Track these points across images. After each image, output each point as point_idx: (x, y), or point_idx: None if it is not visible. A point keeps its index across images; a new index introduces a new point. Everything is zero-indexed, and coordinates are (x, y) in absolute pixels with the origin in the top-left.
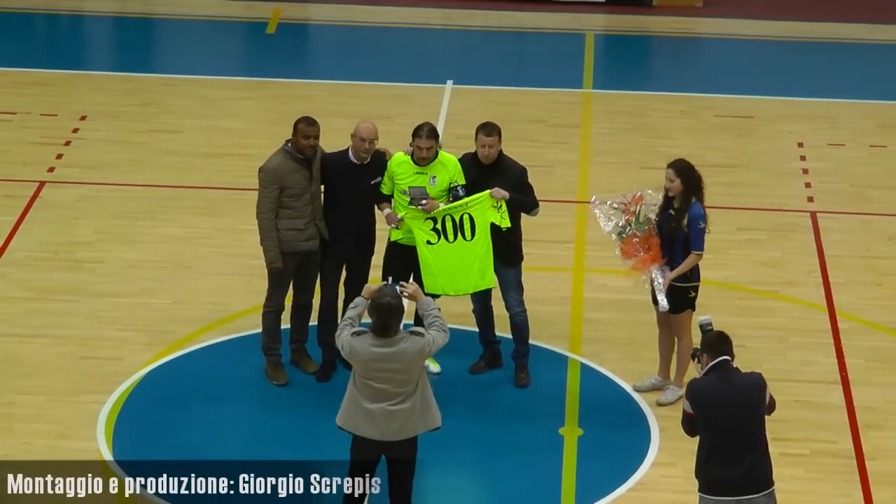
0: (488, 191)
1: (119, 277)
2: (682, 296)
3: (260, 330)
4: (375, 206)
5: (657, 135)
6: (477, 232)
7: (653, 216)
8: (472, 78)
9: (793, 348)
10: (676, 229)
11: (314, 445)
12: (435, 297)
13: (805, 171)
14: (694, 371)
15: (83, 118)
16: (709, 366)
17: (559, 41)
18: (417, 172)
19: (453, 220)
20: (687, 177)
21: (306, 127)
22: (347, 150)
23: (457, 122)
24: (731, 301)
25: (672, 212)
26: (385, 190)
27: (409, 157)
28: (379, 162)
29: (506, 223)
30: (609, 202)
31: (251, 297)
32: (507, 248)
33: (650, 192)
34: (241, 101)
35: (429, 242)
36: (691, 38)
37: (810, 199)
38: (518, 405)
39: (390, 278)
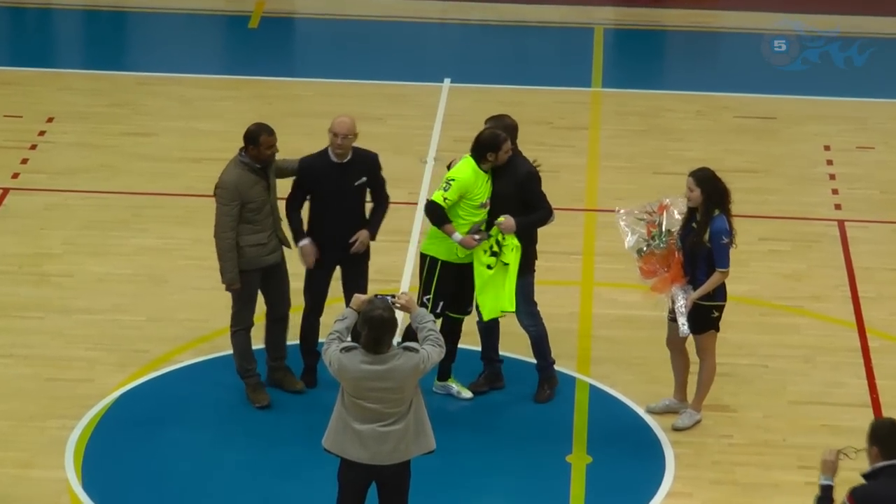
0: (496, 224)
1: (89, 292)
2: (705, 315)
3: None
4: (443, 228)
5: (671, 137)
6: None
7: (676, 228)
8: (471, 76)
9: (819, 368)
10: (698, 244)
11: (300, 472)
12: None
13: (832, 177)
14: (724, 394)
15: (50, 120)
16: (879, 466)
17: (565, 36)
18: (487, 179)
19: (497, 241)
20: (709, 187)
21: (268, 136)
22: (326, 149)
23: (455, 123)
24: (753, 317)
25: (694, 225)
26: (448, 204)
27: (476, 166)
28: (363, 161)
29: (508, 258)
30: (634, 212)
31: None
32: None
33: (679, 199)
34: (222, 101)
35: (489, 267)
36: (708, 33)
37: (838, 207)
38: (523, 430)
39: (384, 295)
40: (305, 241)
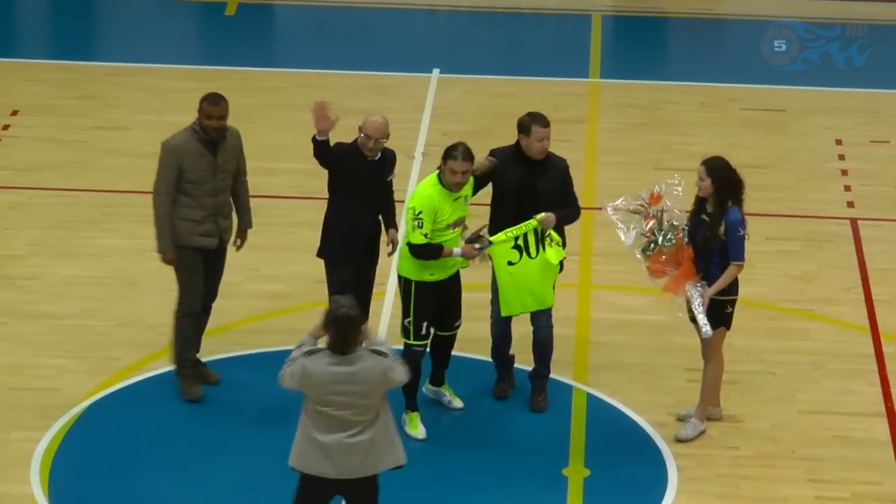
0: (536, 219)
1: (56, 296)
2: (719, 311)
3: (217, 356)
4: (441, 256)
5: (674, 131)
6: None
7: (682, 217)
8: (461, 66)
9: (830, 376)
10: (712, 238)
11: (278, 489)
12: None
13: (844, 173)
14: (729, 403)
15: (14, 113)
16: None
17: (562, 24)
18: (456, 199)
19: (525, 236)
20: (721, 177)
21: (209, 106)
22: (356, 143)
23: (444, 116)
24: (760, 321)
25: (706, 217)
26: (429, 239)
27: (438, 183)
28: (389, 157)
29: (560, 255)
30: (624, 204)
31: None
32: None
33: (673, 183)
34: (197, 94)
35: (510, 263)
36: (713, 20)
37: (850, 205)
38: (517, 442)
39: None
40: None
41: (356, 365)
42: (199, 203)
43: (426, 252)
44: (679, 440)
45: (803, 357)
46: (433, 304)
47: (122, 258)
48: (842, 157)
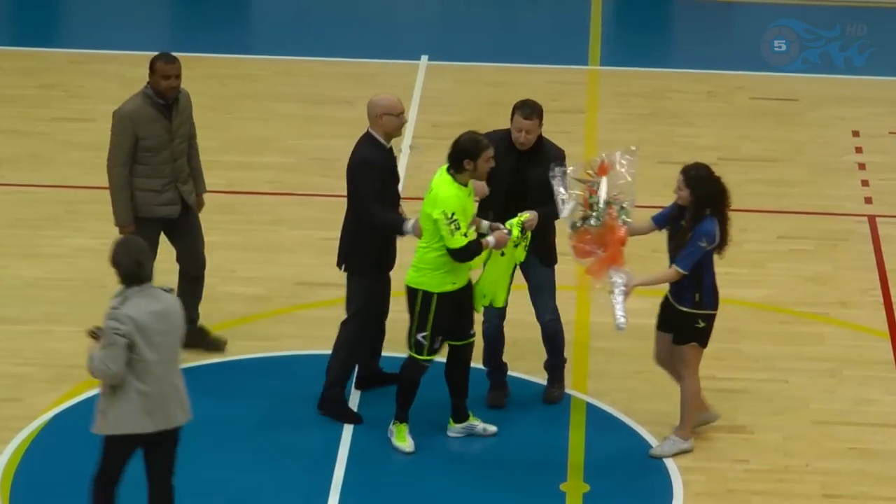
0: (521, 218)
1: (17, 300)
2: (688, 324)
3: (190, 364)
4: (483, 250)
5: (679, 122)
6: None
7: (628, 195)
8: (451, 52)
9: (846, 384)
10: (682, 246)
11: (252, 499)
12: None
13: (861, 167)
14: (739, 413)
15: None
16: None
17: (559, 6)
18: (469, 194)
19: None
20: (700, 189)
21: (165, 65)
22: (371, 138)
23: (433, 106)
24: (771, 326)
25: (683, 223)
26: (469, 238)
27: (454, 182)
28: None
29: (521, 256)
30: (568, 170)
31: None
32: (545, 243)
33: (626, 153)
34: None
35: (502, 254)
36: (721, 3)
37: (868, 201)
38: (511, 455)
39: None
40: (412, 220)
41: (163, 301)
42: (157, 171)
43: (471, 251)
44: (652, 456)
45: (817, 364)
46: (451, 316)
47: (88, 259)
48: (859, 150)
